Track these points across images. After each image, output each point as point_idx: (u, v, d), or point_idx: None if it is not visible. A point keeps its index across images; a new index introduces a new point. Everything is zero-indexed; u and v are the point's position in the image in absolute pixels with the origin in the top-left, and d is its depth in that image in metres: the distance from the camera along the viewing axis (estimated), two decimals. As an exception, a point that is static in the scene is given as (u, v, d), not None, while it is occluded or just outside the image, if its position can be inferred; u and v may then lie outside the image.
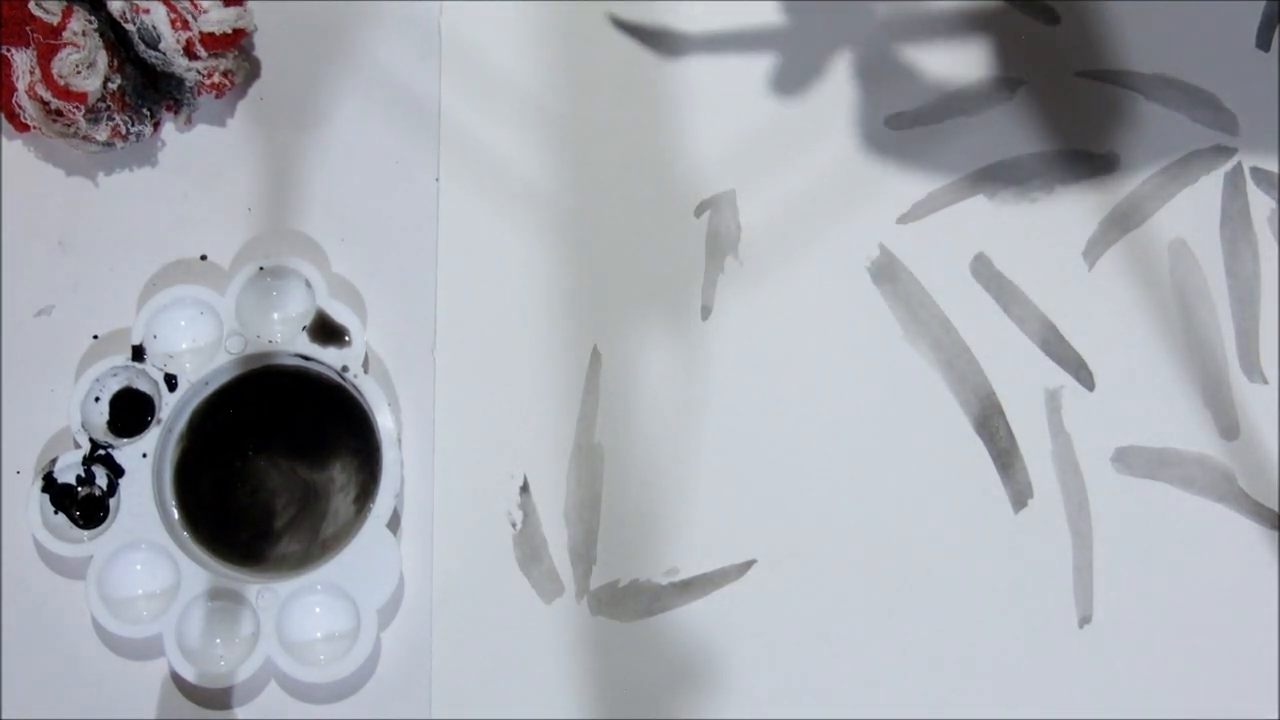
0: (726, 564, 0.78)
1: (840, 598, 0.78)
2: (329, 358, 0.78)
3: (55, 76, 0.76)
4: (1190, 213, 0.82)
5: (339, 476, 0.79)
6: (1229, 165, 0.83)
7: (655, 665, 0.77)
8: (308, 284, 0.79)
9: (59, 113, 0.78)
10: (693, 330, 0.81)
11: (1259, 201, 0.83)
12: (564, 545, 0.79)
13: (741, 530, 0.79)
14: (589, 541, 0.79)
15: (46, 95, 0.77)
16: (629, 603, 0.78)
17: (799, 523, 0.79)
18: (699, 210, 0.83)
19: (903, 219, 0.83)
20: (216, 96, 0.82)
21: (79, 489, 0.77)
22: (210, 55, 0.80)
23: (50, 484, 0.77)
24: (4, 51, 0.77)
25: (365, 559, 0.76)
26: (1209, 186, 0.83)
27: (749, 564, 0.78)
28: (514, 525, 0.79)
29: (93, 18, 0.78)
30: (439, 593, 0.78)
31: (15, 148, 0.84)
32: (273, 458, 0.79)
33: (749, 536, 0.79)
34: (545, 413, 0.80)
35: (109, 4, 0.78)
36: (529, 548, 0.78)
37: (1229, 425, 0.79)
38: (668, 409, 0.80)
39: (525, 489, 0.79)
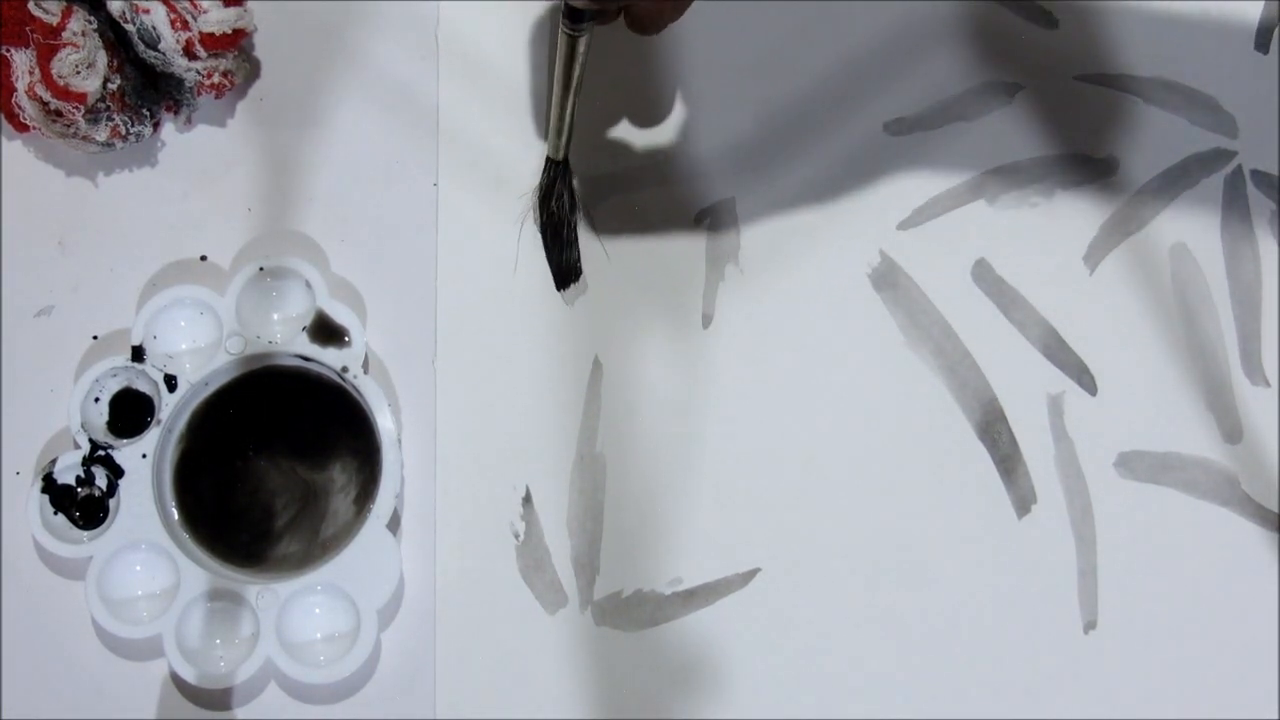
0: (730, 573, 0.78)
1: (844, 605, 0.78)
2: (329, 358, 0.78)
3: (55, 77, 0.76)
4: (1191, 216, 0.83)
5: (339, 477, 0.79)
6: (1229, 168, 0.83)
7: (660, 675, 0.77)
8: (308, 284, 0.79)
9: (59, 113, 0.78)
10: (694, 339, 0.81)
11: (1259, 204, 0.83)
12: (567, 556, 0.79)
13: (745, 539, 0.79)
14: (592, 552, 0.79)
15: (46, 95, 0.77)
16: (633, 613, 0.78)
17: (802, 530, 0.79)
18: (699, 218, 0.83)
19: (903, 225, 0.83)
20: (216, 97, 0.82)
21: (79, 490, 0.77)
22: (210, 55, 0.80)
23: (50, 485, 0.76)
24: (4, 51, 0.77)
25: (365, 560, 0.76)
26: (1209, 189, 0.83)
27: (753, 573, 0.78)
28: (517, 536, 0.79)
29: (92, 18, 0.77)
30: (442, 604, 0.78)
31: (15, 148, 0.83)
32: (273, 458, 0.79)
33: (752, 545, 0.79)
34: (547, 424, 0.80)
35: (109, 4, 0.78)
36: (532, 559, 0.78)
37: (1232, 429, 0.80)
38: (670, 418, 0.80)
39: (528, 500, 0.79)
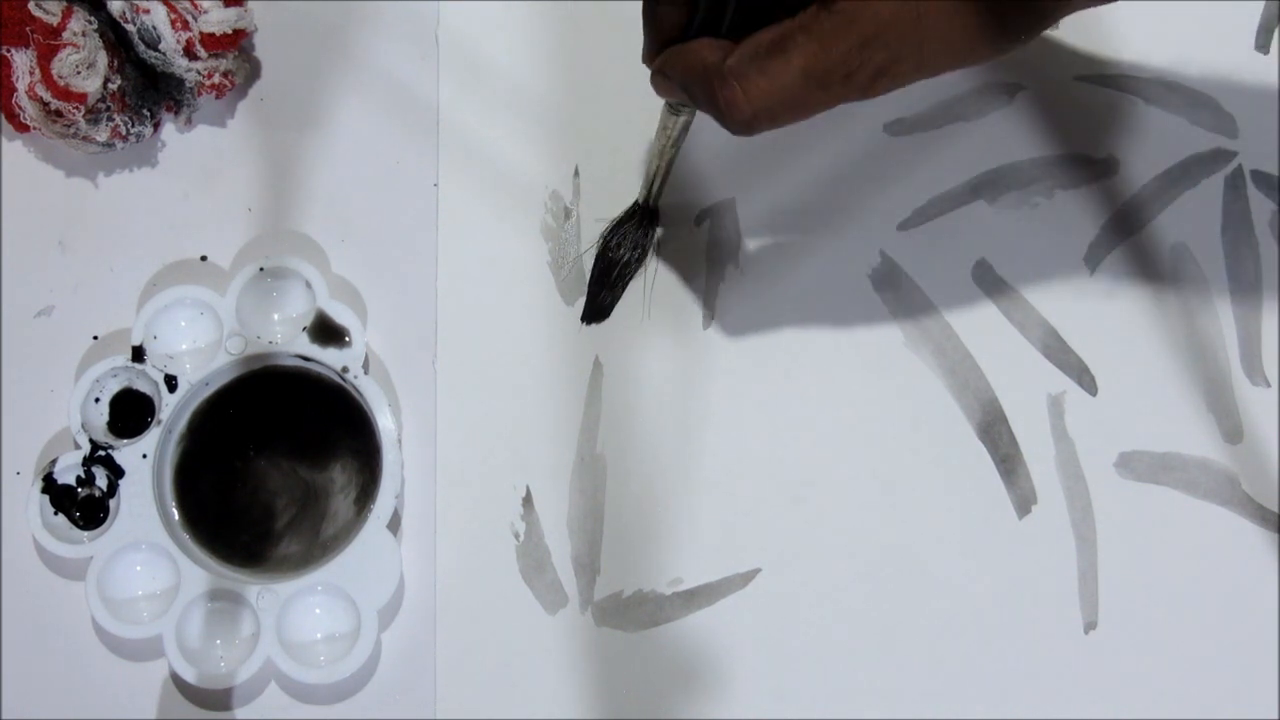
0: (731, 573, 0.78)
1: (845, 605, 0.78)
2: (329, 358, 0.78)
3: (55, 77, 0.76)
4: (1191, 216, 0.83)
5: (339, 477, 0.79)
6: (1229, 168, 0.83)
7: (661, 676, 0.77)
8: (308, 284, 0.79)
9: (59, 113, 0.78)
10: (694, 339, 0.81)
11: (1259, 204, 0.83)
12: (567, 556, 0.79)
13: (745, 539, 0.79)
14: (592, 552, 0.79)
15: (46, 96, 0.77)
16: (633, 613, 0.78)
17: (802, 531, 0.79)
18: (699, 218, 0.83)
19: (903, 225, 0.83)
20: (217, 97, 0.82)
21: (79, 490, 0.77)
22: (210, 56, 0.80)
23: (50, 485, 0.76)
24: (4, 52, 0.77)
25: (365, 560, 0.76)
26: (1209, 190, 0.83)
27: (753, 573, 0.78)
28: (517, 537, 0.79)
29: (93, 18, 0.77)
30: (443, 604, 0.78)
31: (15, 148, 0.83)
32: (273, 458, 0.79)
33: (753, 545, 0.79)
34: (547, 424, 0.80)
35: (109, 4, 0.78)
36: (532, 559, 0.78)
37: (1232, 429, 0.79)
38: (670, 418, 0.80)
39: (528, 500, 0.79)
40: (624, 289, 0.81)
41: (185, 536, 0.77)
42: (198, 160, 0.84)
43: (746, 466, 0.79)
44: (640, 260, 0.81)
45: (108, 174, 0.83)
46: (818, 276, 0.82)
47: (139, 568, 0.76)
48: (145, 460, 0.77)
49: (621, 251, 0.80)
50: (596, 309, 0.82)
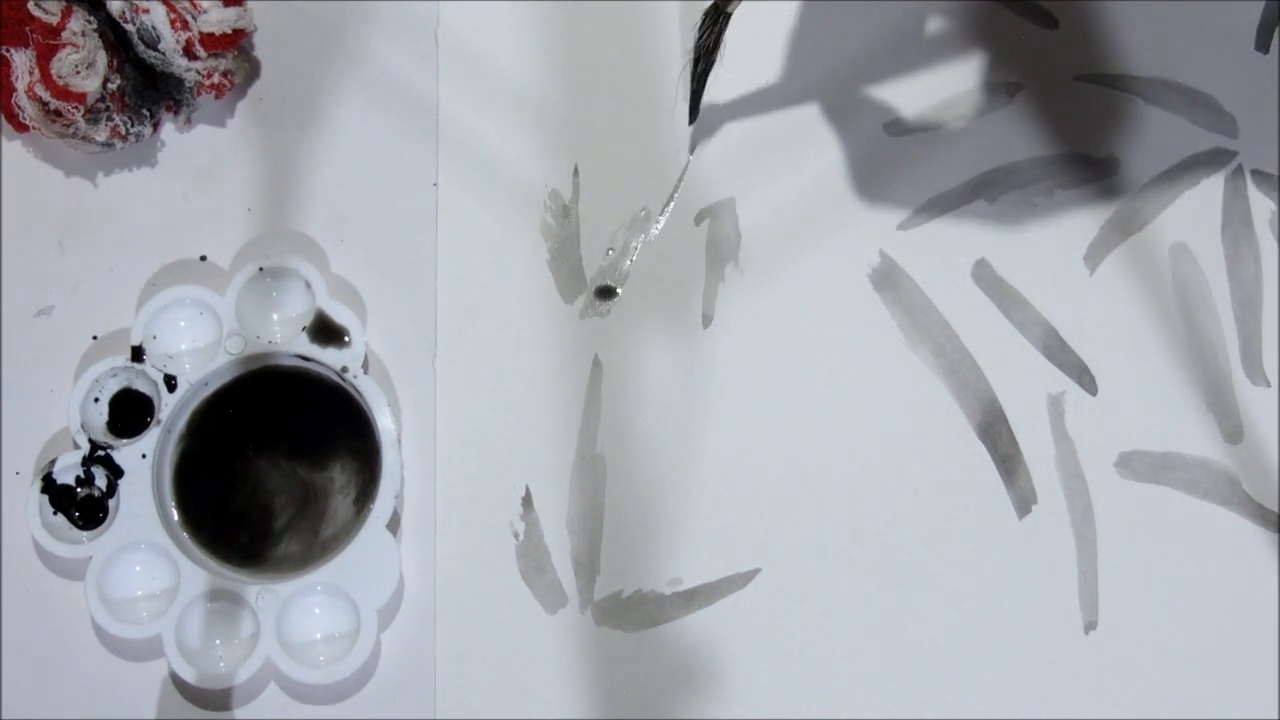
0: (731, 573, 0.78)
1: (845, 605, 0.78)
2: (329, 358, 0.78)
3: (54, 77, 0.76)
4: (1191, 216, 0.82)
5: (338, 477, 0.79)
6: (1229, 168, 0.83)
7: (660, 676, 0.77)
8: (307, 284, 0.79)
9: (58, 113, 0.78)
10: (694, 339, 0.81)
11: (1260, 204, 0.83)
12: (567, 556, 0.79)
13: (745, 539, 0.79)
14: (592, 552, 0.79)
15: (46, 95, 0.77)
16: (633, 613, 0.78)
17: (802, 531, 0.79)
18: (698, 218, 0.83)
19: (903, 225, 0.83)
20: (216, 97, 0.82)
21: (78, 490, 0.77)
22: (210, 55, 0.79)
23: (50, 485, 0.76)
24: (3, 51, 0.77)
25: (365, 560, 0.76)
26: (1210, 189, 0.83)
27: (753, 573, 0.78)
28: (517, 536, 0.79)
29: (92, 18, 0.77)
30: (442, 604, 0.78)
31: (15, 148, 0.83)
32: (272, 458, 0.79)
33: (753, 545, 0.79)
34: (546, 423, 0.80)
35: (109, 4, 0.78)
36: (532, 559, 0.78)
37: (1232, 429, 0.79)
38: (669, 418, 0.80)
39: (528, 500, 0.79)
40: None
41: (185, 536, 0.77)
42: (198, 160, 0.84)
43: (746, 466, 0.79)
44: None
45: (108, 174, 0.83)
46: (817, 276, 0.82)
47: (138, 568, 0.76)
48: (145, 460, 0.77)
49: (711, 49, 0.78)
50: (698, 108, 0.82)
